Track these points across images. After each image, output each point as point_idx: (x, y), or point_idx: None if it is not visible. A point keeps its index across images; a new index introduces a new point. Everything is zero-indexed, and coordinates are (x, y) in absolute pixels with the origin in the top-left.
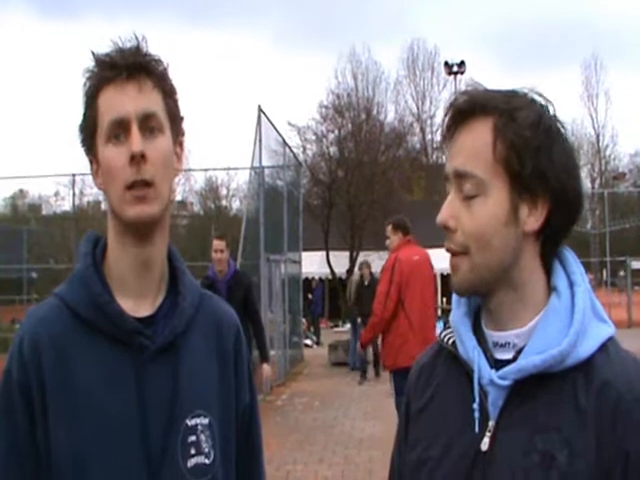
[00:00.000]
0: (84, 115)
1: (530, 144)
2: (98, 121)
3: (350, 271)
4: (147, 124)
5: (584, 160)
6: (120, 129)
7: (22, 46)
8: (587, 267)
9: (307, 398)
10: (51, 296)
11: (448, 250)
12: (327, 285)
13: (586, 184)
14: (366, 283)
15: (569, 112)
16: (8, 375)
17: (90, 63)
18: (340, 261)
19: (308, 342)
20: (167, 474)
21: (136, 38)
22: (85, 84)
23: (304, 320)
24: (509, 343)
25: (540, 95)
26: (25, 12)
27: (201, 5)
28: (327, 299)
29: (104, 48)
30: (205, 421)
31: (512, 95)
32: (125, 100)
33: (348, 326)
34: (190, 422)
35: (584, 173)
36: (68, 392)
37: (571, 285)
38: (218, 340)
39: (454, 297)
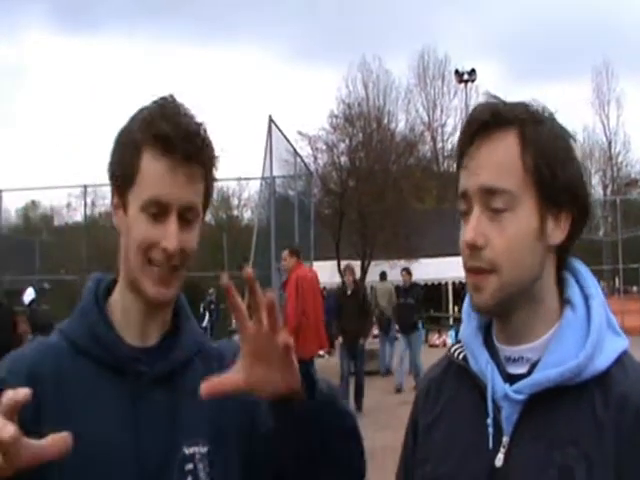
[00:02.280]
0: (122, 160)
1: (559, 155)
2: (136, 181)
3: (361, 280)
4: (186, 214)
5: (596, 167)
6: (158, 208)
7: (37, 60)
8: (600, 275)
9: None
10: (54, 333)
11: (472, 269)
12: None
13: (598, 191)
14: (349, 292)
15: (580, 119)
16: None
17: (150, 106)
18: None
19: (320, 352)
20: None
21: (197, 124)
22: (133, 125)
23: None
24: (522, 357)
25: (544, 106)
26: (44, 26)
27: (216, 18)
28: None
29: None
30: (204, 450)
31: (527, 106)
32: (175, 186)
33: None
34: (188, 450)
35: (596, 180)
36: (63, 421)
37: (586, 298)
38: (221, 371)
39: (465, 311)
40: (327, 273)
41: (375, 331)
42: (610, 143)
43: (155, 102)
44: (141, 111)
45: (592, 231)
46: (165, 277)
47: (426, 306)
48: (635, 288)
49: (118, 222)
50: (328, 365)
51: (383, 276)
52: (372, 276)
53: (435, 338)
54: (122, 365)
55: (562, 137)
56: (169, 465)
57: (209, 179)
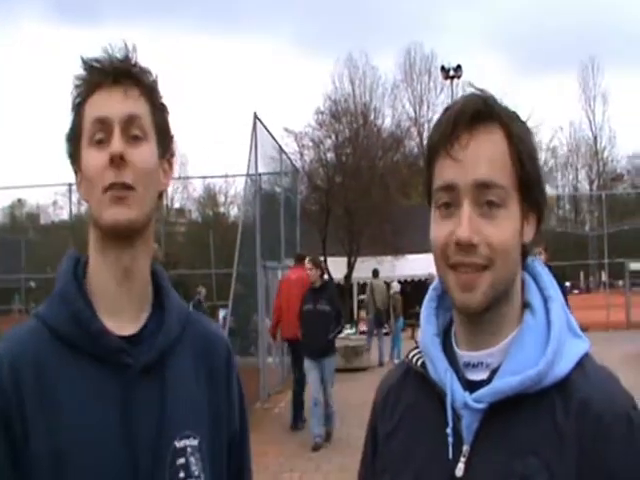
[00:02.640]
0: (71, 123)
1: (532, 152)
2: (83, 126)
3: (348, 277)
4: (130, 129)
5: (582, 162)
6: (102, 131)
7: (25, 52)
8: (585, 269)
9: (305, 405)
10: (31, 317)
11: (463, 265)
12: None
13: (584, 186)
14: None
15: (566, 114)
16: None
17: (79, 69)
18: (338, 267)
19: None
20: None
21: (126, 47)
22: (74, 91)
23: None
24: (482, 363)
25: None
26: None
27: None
28: None
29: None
30: (194, 442)
31: (499, 102)
32: (109, 102)
33: (347, 331)
34: (179, 444)
35: (582, 175)
36: (50, 416)
37: (545, 301)
38: (207, 359)
39: (423, 316)
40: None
41: (363, 327)
42: (596, 138)
43: None
44: (76, 77)
45: (578, 226)
46: (120, 196)
47: (412, 302)
48: (621, 282)
49: (82, 191)
50: None
51: (376, 273)
52: (358, 272)
53: None
54: (108, 357)
55: (532, 134)
56: (161, 459)
57: (153, 100)
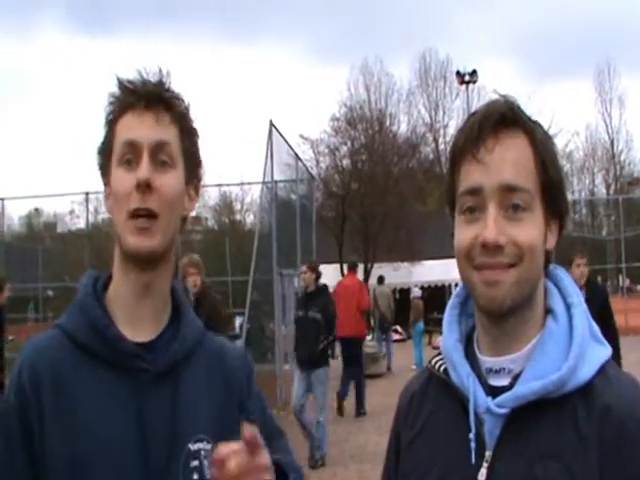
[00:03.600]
0: (103, 138)
1: (554, 159)
2: (114, 145)
3: (364, 282)
4: (159, 155)
5: (599, 166)
6: (132, 153)
7: (44, 64)
8: (603, 274)
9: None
10: (53, 327)
11: (491, 266)
12: None
13: (601, 190)
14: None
15: (583, 118)
16: (7, 402)
17: (114, 88)
18: None
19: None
20: None
21: (160, 72)
22: (107, 108)
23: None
24: (504, 369)
25: None
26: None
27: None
28: None
29: (129, 73)
30: (208, 447)
31: (520, 106)
32: (141, 126)
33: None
34: (193, 447)
35: (599, 179)
36: (67, 419)
37: (567, 307)
38: (223, 370)
39: (445, 322)
40: (330, 276)
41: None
42: (613, 142)
43: None
44: (111, 94)
45: (595, 230)
46: (143, 226)
47: (429, 308)
48: (639, 287)
49: (108, 205)
50: (331, 367)
51: (381, 280)
52: (375, 279)
53: (439, 340)
54: (123, 362)
55: (553, 141)
56: (174, 462)
57: (183, 126)
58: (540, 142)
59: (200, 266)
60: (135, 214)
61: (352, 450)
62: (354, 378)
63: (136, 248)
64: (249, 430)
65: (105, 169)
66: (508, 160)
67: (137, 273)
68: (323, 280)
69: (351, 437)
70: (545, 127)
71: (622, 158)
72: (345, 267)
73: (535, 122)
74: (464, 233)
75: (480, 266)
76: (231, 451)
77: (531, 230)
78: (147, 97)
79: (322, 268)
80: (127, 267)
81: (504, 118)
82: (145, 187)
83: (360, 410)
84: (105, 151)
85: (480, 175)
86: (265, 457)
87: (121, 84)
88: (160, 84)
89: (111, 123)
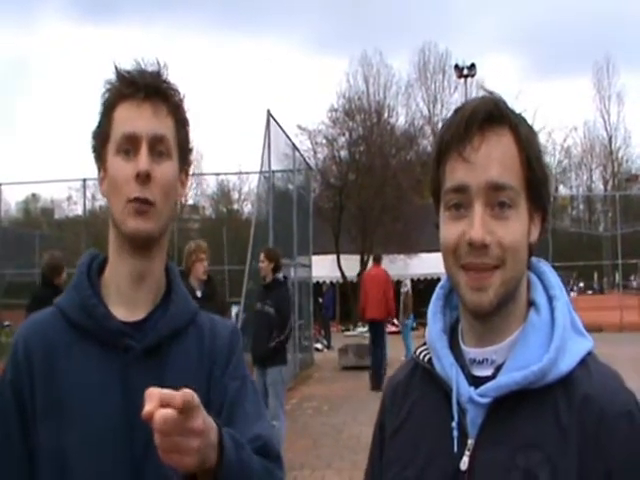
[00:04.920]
0: (99, 124)
1: (539, 154)
2: (111, 132)
3: (360, 275)
4: (156, 147)
5: (596, 162)
6: (130, 144)
7: (43, 51)
8: (599, 270)
9: (316, 402)
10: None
11: (475, 267)
12: (338, 289)
13: (598, 186)
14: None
15: (581, 114)
16: (3, 376)
17: (111, 75)
18: (351, 265)
19: (319, 346)
20: (150, 473)
21: (158, 63)
22: (104, 95)
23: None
24: (487, 360)
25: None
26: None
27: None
28: (338, 303)
29: (127, 63)
30: None
31: (507, 103)
32: (139, 119)
33: (359, 330)
34: None
35: (596, 175)
36: (55, 393)
37: (550, 300)
38: (212, 346)
39: (430, 313)
40: (327, 267)
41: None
42: (611, 138)
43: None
44: (109, 81)
45: (592, 226)
46: (142, 209)
47: (425, 301)
48: (635, 283)
49: (103, 189)
50: (326, 358)
51: None
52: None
53: None
54: (111, 339)
55: (537, 135)
56: None
57: (178, 117)
58: (525, 139)
59: (207, 252)
60: (134, 200)
61: (347, 441)
62: (378, 354)
63: (135, 231)
64: (188, 397)
65: (100, 154)
66: (494, 158)
67: (133, 258)
68: (322, 271)
69: (346, 428)
70: (543, 123)
71: (620, 155)
72: (342, 259)
73: (521, 118)
74: (450, 230)
75: (467, 266)
76: (158, 403)
77: (516, 228)
78: (146, 88)
79: (319, 259)
80: (123, 251)
81: (491, 115)
82: (145, 178)
83: (378, 382)
84: (101, 136)
85: (466, 173)
86: (197, 422)
87: (119, 74)
88: (158, 75)
89: (108, 110)
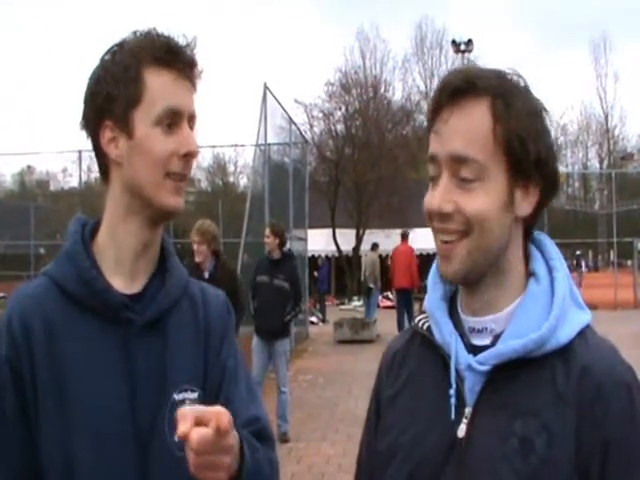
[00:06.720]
0: (123, 81)
1: (531, 131)
2: (143, 98)
3: (356, 249)
4: (190, 123)
5: (592, 140)
6: (172, 119)
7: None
8: (594, 247)
9: (311, 376)
10: (40, 275)
11: (442, 232)
12: (333, 263)
13: (594, 164)
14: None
15: (578, 92)
16: None
17: (133, 35)
18: (346, 239)
19: (313, 319)
20: (155, 448)
21: (192, 38)
22: (125, 52)
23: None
24: (486, 329)
25: (520, 76)
26: None
27: None
28: (333, 277)
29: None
30: (193, 395)
31: (502, 76)
32: (181, 94)
33: (354, 303)
34: (178, 396)
35: (592, 153)
36: (57, 368)
37: (550, 270)
38: (206, 317)
39: (430, 280)
40: (322, 241)
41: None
42: (607, 116)
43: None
44: (128, 39)
45: (588, 204)
46: (179, 187)
47: (422, 275)
48: (630, 262)
49: (118, 153)
50: (321, 332)
51: (374, 247)
52: (367, 245)
53: None
54: (112, 312)
55: (535, 110)
56: (161, 411)
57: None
58: (503, 111)
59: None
60: (171, 176)
61: (342, 414)
62: (406, 312)
63: (175, 209)
64: (223, 417)
65: (123, 116)
66: (459, 131)
67: (143, 229)
68: (318, 245)
69: (341, 401)
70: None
71: (616, 133)
72: (337, 233)
73: (506, 91)
74: (427, 199)
75: (436, 231)
76: (192, 422)
77: (481, 200)
78: (183, 63)
79: (314, 233)
80: (133, 221)
81: (458, 89)
82: (190, 158)
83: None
84: (128, 99)
85: (435, 145)
86: (230, 440)
87: (150, 35)
88: (193, 52)
89: (136, 70)
